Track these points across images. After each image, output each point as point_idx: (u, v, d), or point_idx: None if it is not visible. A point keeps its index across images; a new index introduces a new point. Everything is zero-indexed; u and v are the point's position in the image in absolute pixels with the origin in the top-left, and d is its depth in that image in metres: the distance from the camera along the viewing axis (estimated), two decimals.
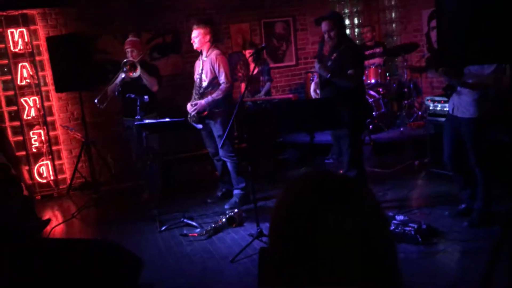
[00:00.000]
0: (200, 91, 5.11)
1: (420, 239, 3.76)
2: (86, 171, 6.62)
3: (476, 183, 4.04)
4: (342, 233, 0.81)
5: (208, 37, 5.04)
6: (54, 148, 6.65)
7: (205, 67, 5.09)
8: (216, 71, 5.02)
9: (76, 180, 6.59)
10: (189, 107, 5.15)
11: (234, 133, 5.10)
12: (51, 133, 6.62)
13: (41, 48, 6.49)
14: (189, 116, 5.13)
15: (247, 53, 6.57)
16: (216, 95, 5.01)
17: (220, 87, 5.02)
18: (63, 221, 5.40)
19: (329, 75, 4.33)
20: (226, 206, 5.17)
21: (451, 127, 4.10)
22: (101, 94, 5.54)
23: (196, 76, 5.19)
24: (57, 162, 6.66)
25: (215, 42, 5.18)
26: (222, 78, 5.01)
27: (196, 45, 5.09)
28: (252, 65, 6.58)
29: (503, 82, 3.82)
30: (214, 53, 5.06)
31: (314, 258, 0.81)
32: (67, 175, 6.72)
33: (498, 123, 4.14)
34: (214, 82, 5.07)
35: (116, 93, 5.45)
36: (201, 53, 5.15)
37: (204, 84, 5.10)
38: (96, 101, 5.51)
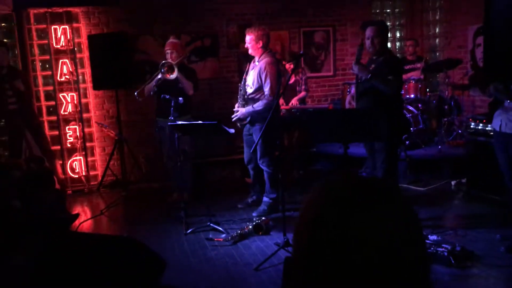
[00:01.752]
0: (245, 97, 5.04)
1: (453, 261, 3.58)
2: (118, 169, 6.67)
3: None
4: (372, 239, 0.75)
5: (260, 43, 4.90)
6: (88, 144, 6.74)
7: (253, 73, 4.99)
8: (262, 81, 4.90)
9: (107, 178, 6.66)
10: (236, 107, 5.12)
11: (276, 141, 4.99)
12: (86, 130, 6.72)
13: (82, 46, 6.62)
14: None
15: (288, 66, 6.44)
16: (257, 106, 4.92)
17: (263, 99, 4.91)
18: (92, 217, 5.44)
19: (369, 75, 4.21)
20: (254, 214, 5.09)
21: (502, 145, 3.92)
22: (140, 88, 5.58)
23: (247, 80, 5.06)
24: (89, 159, 6.75)
25: (268, 48, 5.02)
26: (267, 90, 4.89)
27: (250, 51, 5.00)
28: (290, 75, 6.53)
29: None
30: (264, 61, 4.92)
31: (342, 265, 0.76)
32: (99, 172, 6.80)
33: None
34: (259, 91, 4.97)
35: (152, 93, 5.48)
36: (253, 57, 5.06)
37: (249, 90, 5.02)
38: (136, 93, 5.54)
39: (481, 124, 5.05)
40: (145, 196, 6.21)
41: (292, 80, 6.44)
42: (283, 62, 6.61)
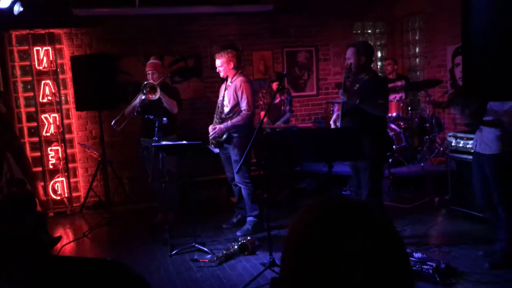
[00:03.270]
0: (222, 116, 5.10)
1: (438, 279, 3.60)
2: (101, 190, 6.60)
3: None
4: (358, 260, 0.77)
5: (232, 64, 5.05)
6: (70, 165, 6.67)
7: (228, 93, 5.09)
8: (239, 98, 5.02)
9: (90, 199, 6.58)
10: (210, 129, 5.14)
11: (251, 159, 5.04)
12: (69, 151, 6.66)
13: (65, 67, 6.60)
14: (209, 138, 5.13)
15: (274, 85, 6.48)
16: (235, 120, 5.01)
17: (241, 113, 5.02)
18: (74, 240, 5.35)
19: (358, 101, 4.20)
20: (238, 233, 5.07)
21: (477, 164, 3.98)
22: (119, 116, 5.56)
23: (219, 100, 5.19)
24: (72, 180, 6.67)
25: (239, 68, 5.18)
26: (243, 105, 5.00)
27: (222, 74, 5.11)
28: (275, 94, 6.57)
29: None
30: (238, 79, 5.06)
31: (329, 286, 0.77)
32: (82, 193, 6.72)
33: None
34: (236, 109, 5.06)
35: (136, 113, 5.46)
36: (226, 78, 5.15)
37: (226, 109, 5.10)
38: (113, 123, 5.53)
39: (461, 142, 5.13)
40: (129, 218, 6.14)
41: (277, 100, 6.49)
42: (271, 84, 6.65)
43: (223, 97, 5.13)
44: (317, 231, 0.80)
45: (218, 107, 5.17)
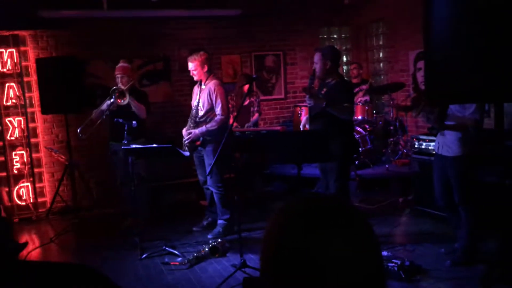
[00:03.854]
0: (196, 120, 5.11)
1: (403, 276, 3.74)
2: (68, 195, 6.51)
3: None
4: (337, 257, 0.80)
5: (205, 67, 5.04)
6: (36, 170, 6.54)
7: (202, 96, 5.09)
8: (213, 102, 5.03)
9: (56, 204, 6.47)
10: (184, 132, 5.16)
11: (227, 163, 5.06)
12: (34, 155, 6.52)
13: (30, 69, 6.47)
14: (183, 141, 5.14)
15: (246, 87, 6.52)
16: (210, 125, 5.02)
17: (216, 118, 5.03)
18: (40, 245, 5.26)
19: (324, 103, 4.31)
20: (209, 236, 5.11)
21: (439, 166, 4.14)
22: (85, 123, 5.51)
23: (194, 104, 5.18)
24: (38, 185, 6.54)
25: (213, 71, 5.16)
26: (218, 110, 5.01)
27: (195, 77, 5.11)
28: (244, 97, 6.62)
29: (481, 124, 3.91)
30: (212, 83, 5.06)
31: (305, 280, 0.80)
32: (48, 198, 6.59)
33: (484, 163, 4.20)
34: (210, 113, 5.07)
35: (104, 116, 5.42)
36: (200, 82, 5.16)
37: (201, 113, 5.10)
38: (78, 131, 5.47)
39: (424, 144, 5.33)
40: (98, 222, 6.07)
41: (246, 102, 6.54)
42: (243, 88, 6.69)
43: (198, 101, 5.13)
44: (297, 232, 0.83)
45: (193, 111, 5.17)
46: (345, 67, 8.51)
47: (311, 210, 0.86)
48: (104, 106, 5.42)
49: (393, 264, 3.81)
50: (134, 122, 5.06)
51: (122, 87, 5.31)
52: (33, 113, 6.55)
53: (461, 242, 4.08)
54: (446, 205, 4.19)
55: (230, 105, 6.56)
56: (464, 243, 4.04)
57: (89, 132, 5.49)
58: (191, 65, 5.06)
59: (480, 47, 2.31)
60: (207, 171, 4.87)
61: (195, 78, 5.14)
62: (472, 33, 2.30)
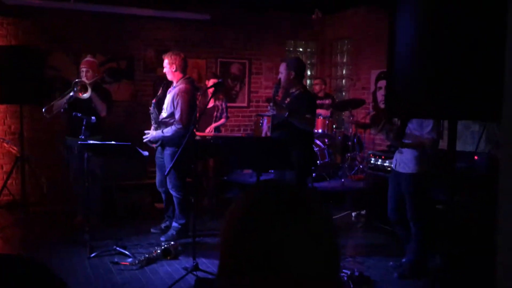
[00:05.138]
0: (158, 120, 5.04)
1: (352, 286, 3.81)
2: (16, 189, 6.27)
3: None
4: (297, 240, 0.82)
5: (174, 67, 4.93)
6: None
7: (168, 98, 5.01)
8: (175, 106, 4.91)
9: (3, 197, 6.20)
10: (146, 132, 5.09)
11: (189, 167, 4.99)
12: None
13: None
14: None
15: (210, 82, 6.43)
16: (166, 131, 4.93)
17: (173, 126, 4.91)
18: None
19: (287, 113, 4.34)
20: (162, 238, 5.04)
21: (394, 182, 4.26)
22: (49, 105, 5.33)
23: (153, 105, 5.09)
24: None
25: (185, 74, 5.03)
26: (177, 116, 4.88)
27: (169, 77, 5.03)
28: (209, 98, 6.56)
29: (438, 143, 4.06)
30: (179, 87, 4.94)
31: (268, 267, 0.81)
32: None
33: (437, 181, 4.35)
34: (171, 116, 4.98)
35: (62, 110, 5.27)
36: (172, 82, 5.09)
37: (164, 114, 5.03)
38: (44, 109, 5.29)
39: (380, 160, 5.48)
40: (46, 218, 5.86)
41: (211, 105, 6.45)
42: (206, 81, 6.62)
43: (166, 102, 5.04)
44: (257, 218, 0.84)
45: (151, 111, 5.06)
46: (308, 81, 8.66)
47: (271, 197, 0.87)
48: (66, 97, 5.27)
49: (343, 274, 3.88)
50: (93, 117, 4.95)
51: (86, 81, 5.20)
52: None
53: (409, 256, 4.20)
54: (397, 220, 4.31)
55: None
56: (412, 257, 4.16)
57: (52, 114, 5.30)
58: (164, 62, 5.00)
59: (439, 66, 2.42)
60: (166, 171, 4.80)
61: (169, 78, 5.05)
62: (432, 52, 2.40)
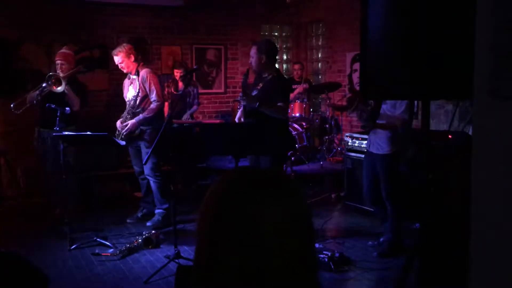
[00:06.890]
0: (133, 111, 5.03)
1: (332, 267, 3.88)
2: None
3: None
4: (274, 222, 0.84)
5: (132, 57, 4.98)
6: None
7: (134, 86, 5.04)
8: (147, 89, 5.00)
9: None
10: (118, 124, 5.04)
11: (164, 153, 4.98)
12: None
13: None
14: (116, 133, 5.01)
15: (176, 72, 6.52)
16: (147, 113, 4.98)
17: (151, 105, 5.01)
18: None
19: (257, 104, 4.22)
20: (148, 224, 5.08)
21: (369, 163, 4.33)
22: (19, 100, 5.22)
23: (127, 96, 5.11)
24: None
25: (141, 60, 5.10)
26: (153, 96, 4.99)
27: (125, 70, 5.04)
28: (180, 85, 6.54)
29: (410, 124, 4.13)
30: (144, 71, 5.04)
31: (246, 249, 0.83)
32: None
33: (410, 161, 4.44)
34: (145, 101, 5.03)
35: (35, 101, 5.15)
36: (129, 73, 5.08)
37: (137, 103, 5.03)
38: (12, 105, 5.18)
39: (356, 142, 5.54)
40: (24, 212, 5.78)
41: (181, 87, 6.45)
42: (175, 71, 6.61)
43: (135, 92, 5.04)
44: (235, 198, 0.86)
45: (129, 103, 5.07)
46: (284, 65, 8.66)
47: (249, 179, 0.90)
48: (39, 90, 5.15)
49: (324, 255, 3.94)
50: (67, 108, 4.87)
51: (60, 74, 5.07)
52: None
53: (387, 235, 4.29)
54: (373, 200, 4.38)
55: (166, 91, 6.44)
56: (390, 236, 4.25)
57: (22, 109, 5.19)
58: (116, 59, 4.97)
59: (411, 48, 2.45)
60: (144, 160, 4.78)
61: (125, 71, 5.06)
62: (404, 34, 2.44)
